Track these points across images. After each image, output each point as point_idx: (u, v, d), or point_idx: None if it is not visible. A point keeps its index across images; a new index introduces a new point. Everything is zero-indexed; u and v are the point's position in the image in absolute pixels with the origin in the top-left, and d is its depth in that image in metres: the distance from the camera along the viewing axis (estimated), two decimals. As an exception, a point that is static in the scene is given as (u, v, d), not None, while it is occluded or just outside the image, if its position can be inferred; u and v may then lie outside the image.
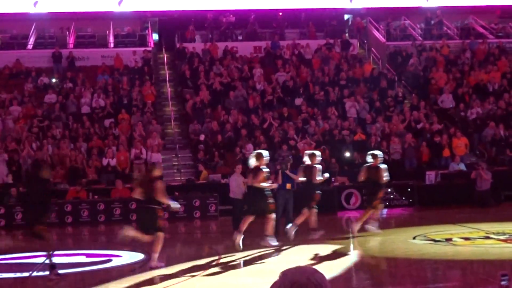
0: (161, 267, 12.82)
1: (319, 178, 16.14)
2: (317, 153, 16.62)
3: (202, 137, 25.34)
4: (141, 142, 24.77)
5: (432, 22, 34.84)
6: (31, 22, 32.81)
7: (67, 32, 33.15)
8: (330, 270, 11.56)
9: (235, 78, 29.00)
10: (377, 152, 16.83)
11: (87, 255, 15.09)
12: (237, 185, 17.53)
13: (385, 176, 16.33)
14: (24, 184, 20.85)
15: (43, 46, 32.35)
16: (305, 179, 16.08)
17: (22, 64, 30.24)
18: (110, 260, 14.15)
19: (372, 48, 33.97)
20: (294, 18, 35.16)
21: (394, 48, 32.61)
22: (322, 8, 34.40)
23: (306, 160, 16.20)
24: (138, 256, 14.30)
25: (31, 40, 32.66)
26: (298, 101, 27.98)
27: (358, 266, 13.11)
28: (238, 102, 27.79)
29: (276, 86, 28.60)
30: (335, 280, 11.05)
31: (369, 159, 16.47)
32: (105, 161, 23.88)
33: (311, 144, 24.51)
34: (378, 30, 34.48)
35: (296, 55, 31.64)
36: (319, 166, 16.20)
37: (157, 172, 13.17)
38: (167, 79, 30.87)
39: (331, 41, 32.54)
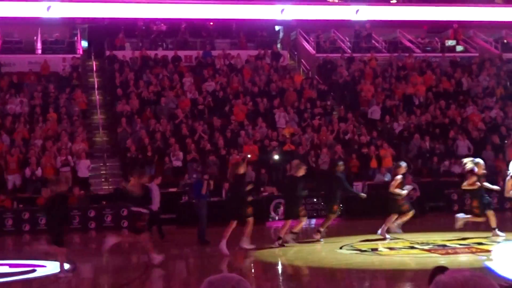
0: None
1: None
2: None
3: (130, 145, 25.05)
4: (67, 150, 24.32)
5: (361, 35, 35.39)
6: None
7: (-7, 38, 32.42)
8: (257, 279, 11.56)
9: (165, 87, 28.82)
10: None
11: (10, 265, 14.72)
12: (157, 195, 17.72)
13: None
14: None
15: (-32, 51, 31.56)
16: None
17: None
18: (34, 270, 13.84)
19: (302, 60, 34.30)
20: (225, 28, 35.22)
21: (324, 60, 32.98)
22: (253, 19, 34.54)
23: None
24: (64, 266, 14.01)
25: (-45, 45, 31.82)
26: (229, 110, 27.98)
27: (285, 276, 13.15)
28: (168, 111, 27.63)
29: (206, 95, 28.55)
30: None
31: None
32: (28, 172, 23.24)
33: (241, 155, 24.61)
34: (308, 42, 34.82)
35: (227, 65, 31.67)
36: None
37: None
38: (96, 86, 30.49)
39: (262, 51, 32.69)
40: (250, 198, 15.90)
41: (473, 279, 2.47)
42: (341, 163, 17.91)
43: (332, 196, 17.21)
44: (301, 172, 16.37)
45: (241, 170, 15.88)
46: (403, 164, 17.38)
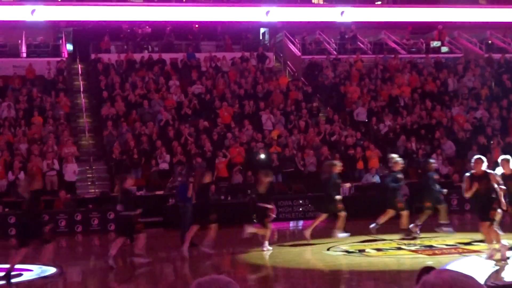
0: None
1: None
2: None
3: (116, 148, 24.96)
4: (53, 153, 24.21)
5: (346, 36, 35.47)
6: None
7: (-23, 41, 32.23)
8: (244, 281, 11.55)
9: (150, 90, 28.75)
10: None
11: (-4, 270, 14.64)
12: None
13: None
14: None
15: (-49, 55, 31.36)
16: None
17: None
18: (20, 275, 13.77)
19: (288, 62, 34.32)
20: (210, 30, 35.20)
21: (310, 62, 33.02)
22: (238, 21, 34.55)
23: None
24: (50, 270, 13.97)
25: None
26: (215, 113, 27.95)
27: (272, 277, 13.15)
28: (154, 114, 27.57)
29: (192, 98, 28.51)
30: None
31: None
32: (11, 177, 23.08)
33: (226, 157, 24.65)
34: (293, 43, 34.86)
35: (212, 67, 31.65)
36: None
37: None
38: (81, 90, 30.38)
39: (247, 54, 32.69)
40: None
41: (460, 279, 2.47)
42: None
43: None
44: (337, 169, 17.51)
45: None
46: (432, 160, 18.66)
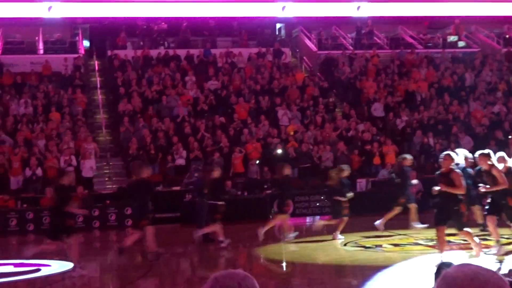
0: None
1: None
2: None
3: (133, 144, 25.03)
4: (71, 149, 24.33)
5: (363, 31, 35.37)
6: (-43, 27, 32.02)
7: (-5, 38, 32.41)
8: (261, 276, 11.56)
9: (167, 86, 28.82)
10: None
11: (15, 265, 14.74)
12: None
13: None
14: None
15: (-30, 52, 31.57)
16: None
17: None
18: (39, 270, 13.86)
19: (304, 57, 34.26)
20: (226, 26, 35.20)
21: (326, 57, 32.95)
22: (254, 17, 34.53)
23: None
24: (68, 265, 14.04)
25: (-43, 46, 31.83)
26: (231, 109, 27.97)
27: (290, 273, 13.15)
28: (170, 110, 27.63)
29: (208, 94, 28.55)
30: (267, 287, 11.07)
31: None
32: (29, 172, 23.22)
33: (242, 152, 24.67)
34: (309, 39, 34.80)
35: (228, 63, 31.66)
36: None
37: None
38: (98, 86, 30.50)
39: (263, 49, 32.67)
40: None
41: (482, 273, 2.46)
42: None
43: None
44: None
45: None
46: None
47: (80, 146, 24.61)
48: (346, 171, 17.62)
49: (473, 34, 36.50)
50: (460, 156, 15.89)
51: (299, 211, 22.52)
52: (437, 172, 12.93)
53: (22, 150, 23.97)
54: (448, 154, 12.73)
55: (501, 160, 13.44)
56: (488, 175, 13.01)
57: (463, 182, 12.46)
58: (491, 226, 13.33)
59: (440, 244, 12.64)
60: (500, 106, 29.21)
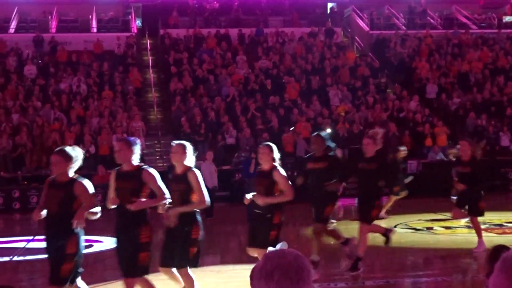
0: None
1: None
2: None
3: (184, 123, 25.20)
4: (123, 127, 24.62)
5: (416, 11, 34.90)
6: (13, 5, 32.54)
7: (49, 17, 32.85)
8: (309, 256, 11.55)
9: (218, 65, 28.90)
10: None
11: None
12: (209, 173, 17.82)
13: None
14: None
15: (25, 30, 32.07)
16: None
17: (3, 48, 29.90)
18: (91, 246, 14.08)
19: (356, 37, 33.99)
20: (278, 5, 35.10)
21: (378, 37, 32.63)
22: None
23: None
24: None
25: (13, 24, 32.36)
26: (282, 89, 27.92)
27: (338, 254, 13.12)
28: (221, 89, 27.71)
29: (259, 73, 28.54)
30: (319, 266, 11.08)
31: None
32: (82, 149, 23.55)
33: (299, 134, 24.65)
34: (361, 18, 34.49)
35: (280, 42, 31.58)
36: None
37: None
38: (150, 65, 30.73)
39: (315, 29, 32.49)
40: None
41: None
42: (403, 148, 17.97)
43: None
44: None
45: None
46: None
47: (130, 125, 24.90)
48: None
49: (529, 14, 35.75)
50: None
51: (348, 192, 22.40)
52: None
53: (76, 127, 24.37)
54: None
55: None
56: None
57: None
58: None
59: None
60: (557, 88, 28.60)
